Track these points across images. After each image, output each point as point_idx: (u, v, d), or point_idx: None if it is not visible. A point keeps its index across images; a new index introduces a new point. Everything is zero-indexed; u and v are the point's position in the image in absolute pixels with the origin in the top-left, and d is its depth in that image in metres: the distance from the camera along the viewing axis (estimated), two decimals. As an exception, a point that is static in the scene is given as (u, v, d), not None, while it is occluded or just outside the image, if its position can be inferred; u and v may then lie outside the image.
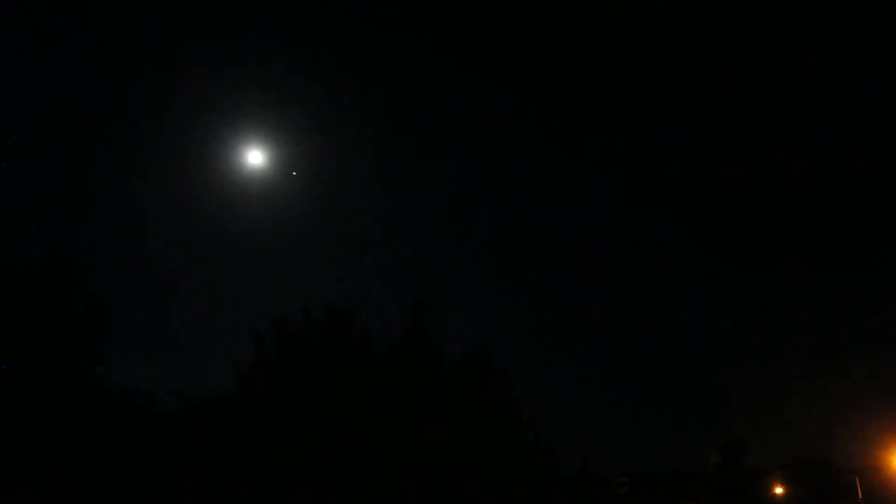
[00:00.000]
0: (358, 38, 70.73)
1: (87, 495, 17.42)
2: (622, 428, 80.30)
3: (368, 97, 72.96)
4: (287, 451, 21.90)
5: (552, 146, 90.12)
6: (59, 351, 18.34)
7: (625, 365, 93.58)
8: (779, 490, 54.95)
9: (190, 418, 21.96)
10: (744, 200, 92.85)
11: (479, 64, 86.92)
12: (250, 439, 21.57)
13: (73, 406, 17.91)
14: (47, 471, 16.85)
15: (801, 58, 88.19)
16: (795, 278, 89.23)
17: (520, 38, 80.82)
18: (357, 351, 25.54)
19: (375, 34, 75.30)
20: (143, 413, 20.92)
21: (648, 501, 54.80)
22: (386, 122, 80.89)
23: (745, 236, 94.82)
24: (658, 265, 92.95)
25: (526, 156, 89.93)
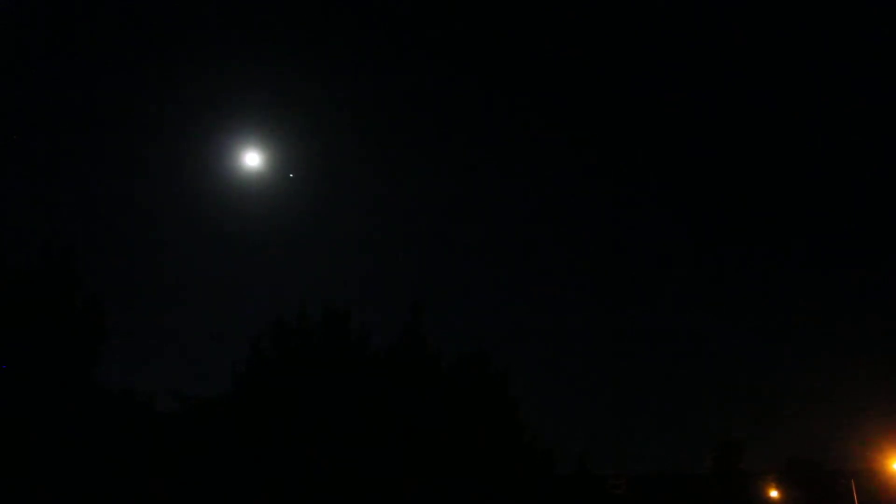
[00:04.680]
0: (355, 39, 70.84)
1: (85, 495, 17.48)
2: (619, 429, 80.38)
3: (366, 99, 73.06)
4: (285, 451, 21.98)
5: (552, 147, 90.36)
6: (57, 351, 18.40)
7: (622, 366, 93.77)
8: (774, 493, 55.03)
9: (187, 419, 22.06)
10: (743, 200, 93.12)
11: (479, 65, 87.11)
12: (248, 439, 21.65)
13: (72, 406, 17.98)
14: (46, 470, 16.90)
15: (801, 57, 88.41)
16: (794, 279, 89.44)
17: (518, 38, 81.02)
18: (354, 352, 25.64)
19: (373, 35, 75.40)
20: (140, 413, 21.01)
21: (644, 502, 54.95)
22: (384, 123, 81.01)
23: (745, 236, 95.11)
24: (657, 266, 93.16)
25: (525, 157, 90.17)
